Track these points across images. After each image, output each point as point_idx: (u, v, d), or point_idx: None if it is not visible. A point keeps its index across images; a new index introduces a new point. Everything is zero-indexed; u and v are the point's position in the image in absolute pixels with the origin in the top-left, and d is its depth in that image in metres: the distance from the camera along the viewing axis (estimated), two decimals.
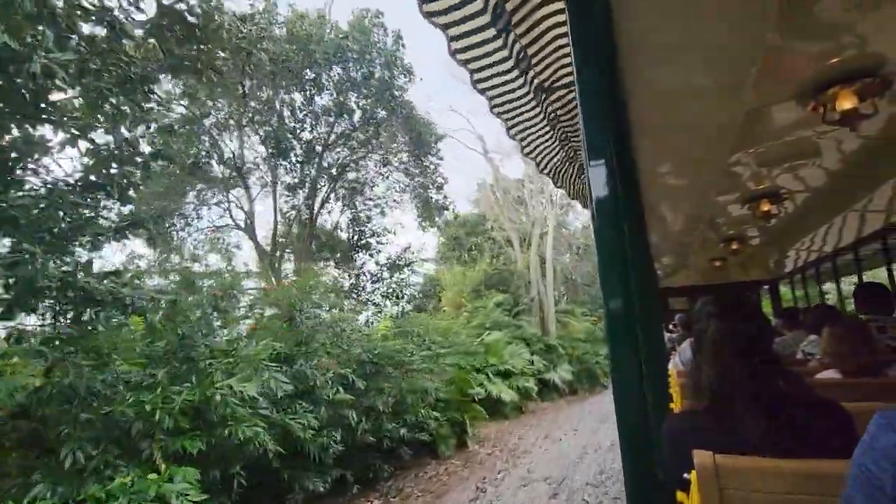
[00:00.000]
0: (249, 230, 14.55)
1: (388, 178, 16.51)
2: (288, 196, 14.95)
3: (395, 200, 16.66)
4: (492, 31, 1.53)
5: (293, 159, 14.41)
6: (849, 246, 5.49)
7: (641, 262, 1.05)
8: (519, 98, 1.94)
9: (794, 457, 0.97)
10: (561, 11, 1.57)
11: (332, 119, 14.52)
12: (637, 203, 1.06)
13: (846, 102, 1.87)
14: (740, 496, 0.98)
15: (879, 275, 6.19)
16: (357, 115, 14.61)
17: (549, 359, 13.73)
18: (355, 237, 16.04)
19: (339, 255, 16.03)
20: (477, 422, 8.94)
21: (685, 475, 1.11)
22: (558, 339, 15.54)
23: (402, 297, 16.53)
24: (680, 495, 1.20)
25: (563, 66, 1.85)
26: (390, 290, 16.49)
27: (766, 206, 3.52)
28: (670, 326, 7.36)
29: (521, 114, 2.11)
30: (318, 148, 14.64)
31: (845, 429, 1.05)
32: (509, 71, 1.73)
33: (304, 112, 14.28)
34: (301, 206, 14.99)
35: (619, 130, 1.07)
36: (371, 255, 16.23)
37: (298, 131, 14.29)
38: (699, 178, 3.08)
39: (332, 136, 14.77)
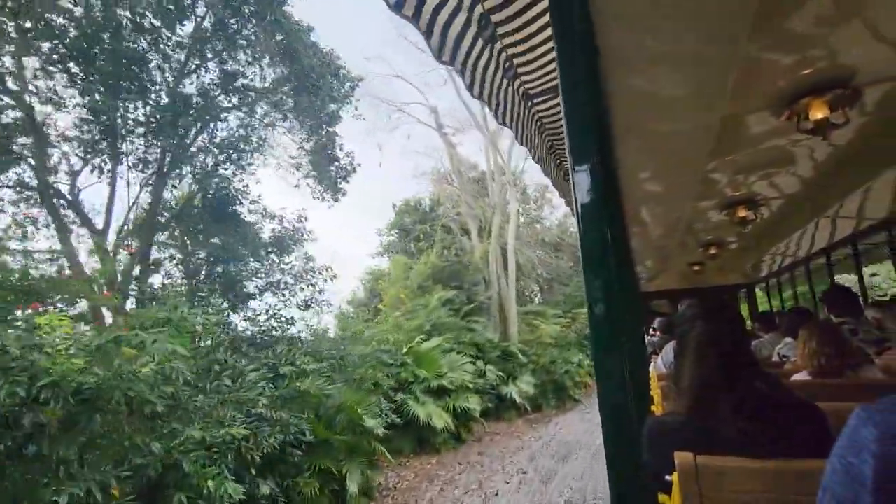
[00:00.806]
0: (48, 201, 9.24)
1: (256, 123, 11.46)
2: (122, 153, 9.76)
3: (257, 147, 11.50)
4: (474, 38, 1.55)
5: (126, 99, 9.32)
6: (821, 251, 5.66)
7: (624, 267, 1.06)
8: (508, 105, 1.95)
9: (773, 457, 1.00)
10: (547, 26, 1.60)
11: (182, 46, 9.93)
12: (619, 208, 1.08)
13: (818, 112, 1.94)
14: (721, 496, 1.00)
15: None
16: (213, 34, 9.92)
17: (506, 369, 11.50)
18: (216, 207, 10.66)
19: (194, 231, 10.94)
20: (378, 469, 6.17)
21: (667, 477, 1.12)
22: (522, 345, 13.32)
23: (281, 290, 11.26)
24: (662, 497, 1.22)
25: (547, 73, 1.87)
26: (271, 281, 11.29)
27: (742, 212, 3.61)
28: (650, 330, 7.48)
29: (511, 121, 2.13)
30: (167, 82, 10.06)
31: (822, 429, 1.09)
32: (495, 79, 1.75)
33: (135, 30, 9.30)
34: (140, 164, 9.96)
35: (601, 136, 1.09)
36: (238, 231, 10.82)
37: (130, 57, 9.18)
38: (679, 184, 3.15)
39: (187, 68, 10.23)
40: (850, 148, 2.59)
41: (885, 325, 2.86)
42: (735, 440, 1.04)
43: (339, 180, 12.45)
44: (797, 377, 2.41)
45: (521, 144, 2.43)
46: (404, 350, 9.45)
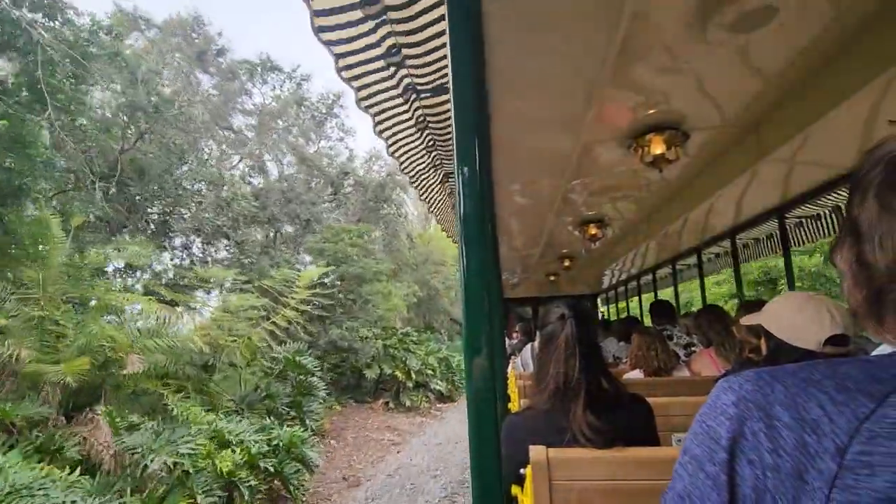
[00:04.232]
0: None
1: None
2: None
3: None
4: (359, 13, 1.49)
5: None
6: (649, 268, 6.65)
7: (494, 273, 1.11)
8: (387, 93, 1.92)
9: (613, 445, 1.12)
10: (441, 30, 1.61)
11: None
12: (492, 216, 1.12)
13: (657, 148, 2.27)
14: (569, 486, 1.10)
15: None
16: None
17: None
18: None
19: None
20: None
21: (521, 470, 1.19)
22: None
23: None
24: (515, 489, 1.29)
25: (436, 70, 1.89)
26: None
27: (593, 230, 4.08)
28: (512, 334, 8.02)
29: (389, 112, 2.09)
30: None
31: (648, 418, 1.27)
32: (383, 67, 1.70)
33: None
34: None
35: (483, 144, 1.13)
36: None
37: None
38: (543, 199, 3.44)
39: None
40: (676, 182, 3.09)
41: (692, 332, 3.44)
42: (585, 432, 1.14)
43: None
44: (628, 375, 2.77)
45: (379, 135, 2.37)
46: None
